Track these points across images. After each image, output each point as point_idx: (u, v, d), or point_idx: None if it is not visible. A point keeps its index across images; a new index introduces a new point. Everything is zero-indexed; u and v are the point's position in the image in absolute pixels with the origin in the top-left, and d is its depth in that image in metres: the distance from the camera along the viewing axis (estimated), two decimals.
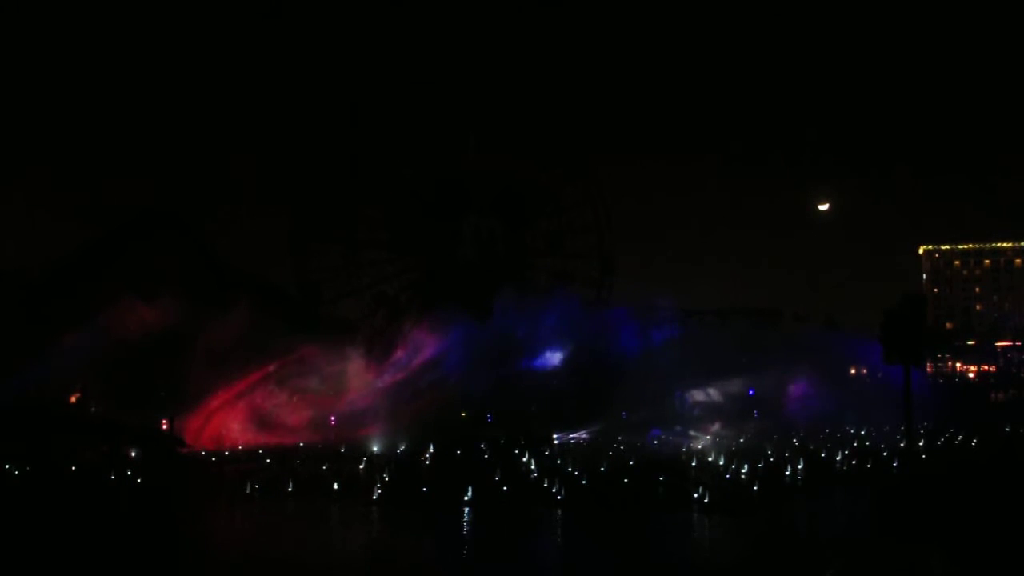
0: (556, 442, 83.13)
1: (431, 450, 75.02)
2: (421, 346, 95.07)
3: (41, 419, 66.90)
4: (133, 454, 65.37)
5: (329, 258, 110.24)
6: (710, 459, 67.23)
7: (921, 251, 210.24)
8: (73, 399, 75.70)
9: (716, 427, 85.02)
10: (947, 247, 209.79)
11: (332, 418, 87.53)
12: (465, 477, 52.17)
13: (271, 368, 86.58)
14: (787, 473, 60.02)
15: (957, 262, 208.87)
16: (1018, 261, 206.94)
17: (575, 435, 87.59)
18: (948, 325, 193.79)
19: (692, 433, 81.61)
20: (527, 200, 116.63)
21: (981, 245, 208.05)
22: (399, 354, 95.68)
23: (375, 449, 74.36)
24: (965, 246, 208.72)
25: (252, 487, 53.12)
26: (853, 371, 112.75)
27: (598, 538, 40.91)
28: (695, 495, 47.79)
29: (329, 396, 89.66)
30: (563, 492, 50.33)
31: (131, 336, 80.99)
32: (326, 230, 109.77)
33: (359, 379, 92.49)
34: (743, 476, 58.74)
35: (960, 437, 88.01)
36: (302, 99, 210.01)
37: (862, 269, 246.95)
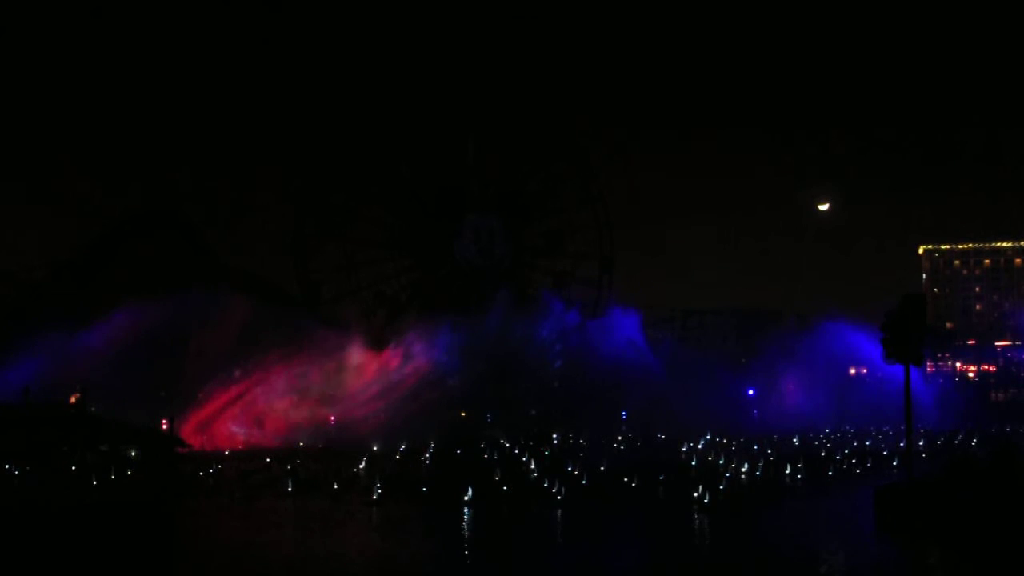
0: (555, 442, 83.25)
1: (431, 450, 75.11)
2: (420, 346, 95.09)
3: (41, 419, 66.87)
4: (133, 454, 65.39)
5: (329, 258, 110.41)
6: (710, 458, 67.31)
7: (921, 251, 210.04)
8: (73, 399, 75.66)
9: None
10: (947, 247, 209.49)
11: (332, 418, 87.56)
12: (465, 477, 52.14)
13: (270, 368, 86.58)
14: (787, 473, 60.10)
15: (957, 262, 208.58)
16: (1018, 261, 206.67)
17: (573, 436, 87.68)
18: (948, 325, 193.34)
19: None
20: (527, 199, 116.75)
21: (981, 245, 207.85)
22: (398, 354, 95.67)
23: (375, 448, 74.34)
24: (965, 246, 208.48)
25: (252, 487, 53.13)
26: (853, 371, 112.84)
27: (598, 538, 40.83)
28: (695, 494, 47.77)
29: (329, 396, 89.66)
30: (563, 492, 50.32)
31: (131, 336, 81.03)
32: (326, 230, 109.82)
33: (359, 379, 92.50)
34: (743, 476, 58.82)
35: (960, 437, 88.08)
36: (303, 99, 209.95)
37: (862, 269, 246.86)
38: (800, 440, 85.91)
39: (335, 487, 53.42)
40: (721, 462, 64.46)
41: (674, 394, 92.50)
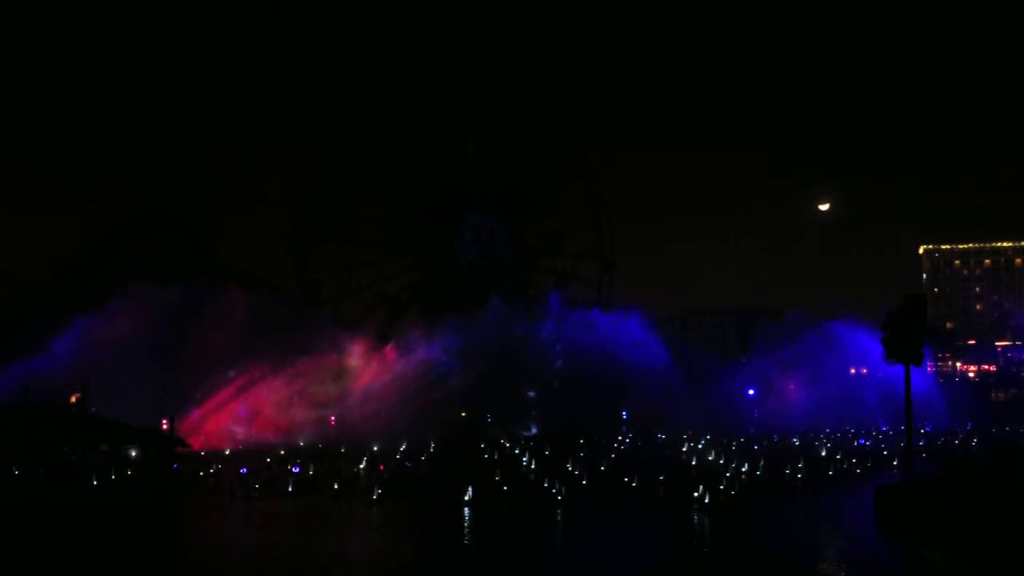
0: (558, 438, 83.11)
1: (431, 449, 75.09)
2: (420, 346, 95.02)
3: (41, 419, 66.82)
4: (133, 454, 65.32)
5: (329, 258, 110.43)
6: (710, 458, 67.28)
7: (921, 251, 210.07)
8: (73, 399, 75.61)
9: None
10: (947, 247, 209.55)
11: (332, 418, 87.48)
12: (465, 477, 52.11)
13: (270, 367, 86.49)
14: (787, 473, 60.08)
15: (957, 262, 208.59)
16: (1018, 261, 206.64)
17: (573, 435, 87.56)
18: (948, 325, 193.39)
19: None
20: (527, 199, 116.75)
21: (981, 245, 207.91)
22: (399, 354, 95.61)
23: (375, 448, 74.29)
24: (965, 246, 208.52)
25: (252, 487, 53.09)
26: (853, 371, 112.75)
27: (598, 538, 40.84)
28: (695, 494, 47.76)
29: (329, 395, 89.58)
30: (563, 492, 50.30)
31: (131, 336, 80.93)
32: (326, 230, 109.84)
33: (360, 379, 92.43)
34: (743, 476, 58.78)
35: (960, 437, 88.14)
36: (303, 99, 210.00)
37: (862, 269, 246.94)
38: (800, 440, 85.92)
39: (335, 487, 53.39)
40: (721, 462, 64.43)
41: (675, 394, 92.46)
